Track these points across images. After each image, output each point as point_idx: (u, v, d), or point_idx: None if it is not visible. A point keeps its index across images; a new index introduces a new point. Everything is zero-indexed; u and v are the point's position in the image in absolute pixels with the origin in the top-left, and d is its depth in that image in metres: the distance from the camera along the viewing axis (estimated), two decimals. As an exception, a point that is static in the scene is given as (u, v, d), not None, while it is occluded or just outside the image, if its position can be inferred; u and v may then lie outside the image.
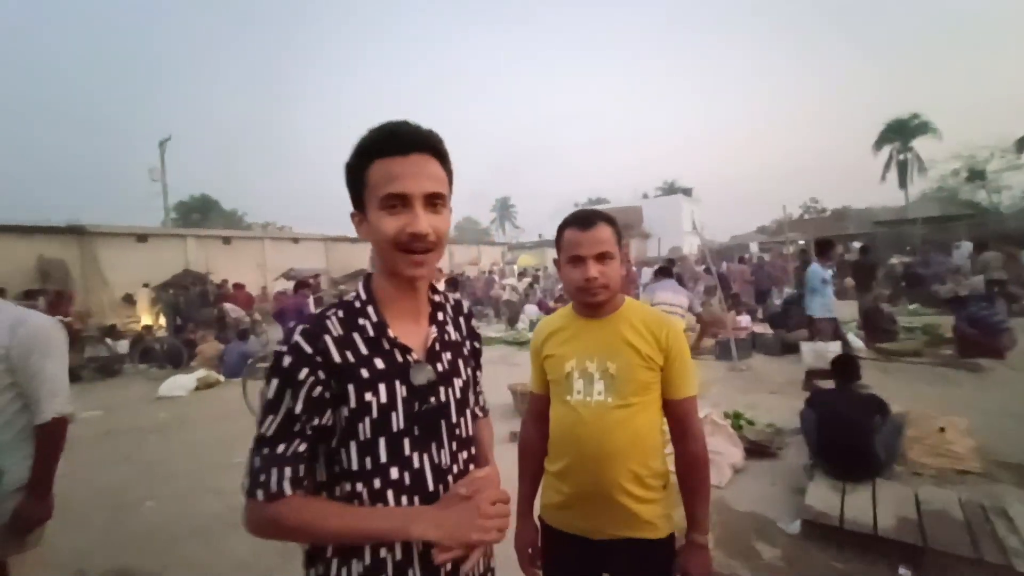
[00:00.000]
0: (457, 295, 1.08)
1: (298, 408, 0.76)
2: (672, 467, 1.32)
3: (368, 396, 0.79)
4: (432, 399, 0.85)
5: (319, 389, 0.77)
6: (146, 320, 13.90)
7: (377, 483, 0.80)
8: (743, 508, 3.00)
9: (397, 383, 0.81)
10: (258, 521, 0.77)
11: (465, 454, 0.91)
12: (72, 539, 3.00)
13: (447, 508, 0.79)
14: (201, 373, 7.30)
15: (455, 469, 0.87)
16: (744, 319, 8.93)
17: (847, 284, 14.49)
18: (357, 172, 0.81)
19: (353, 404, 0.78)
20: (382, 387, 0.80)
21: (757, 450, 3.67)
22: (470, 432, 0.93)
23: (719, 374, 6.31)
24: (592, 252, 1.21)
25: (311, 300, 8.03)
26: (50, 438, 1.52)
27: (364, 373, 0.79)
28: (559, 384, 1.31)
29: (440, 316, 0.94)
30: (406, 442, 0.82)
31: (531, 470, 1.42)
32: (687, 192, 42.72)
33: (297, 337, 0.78)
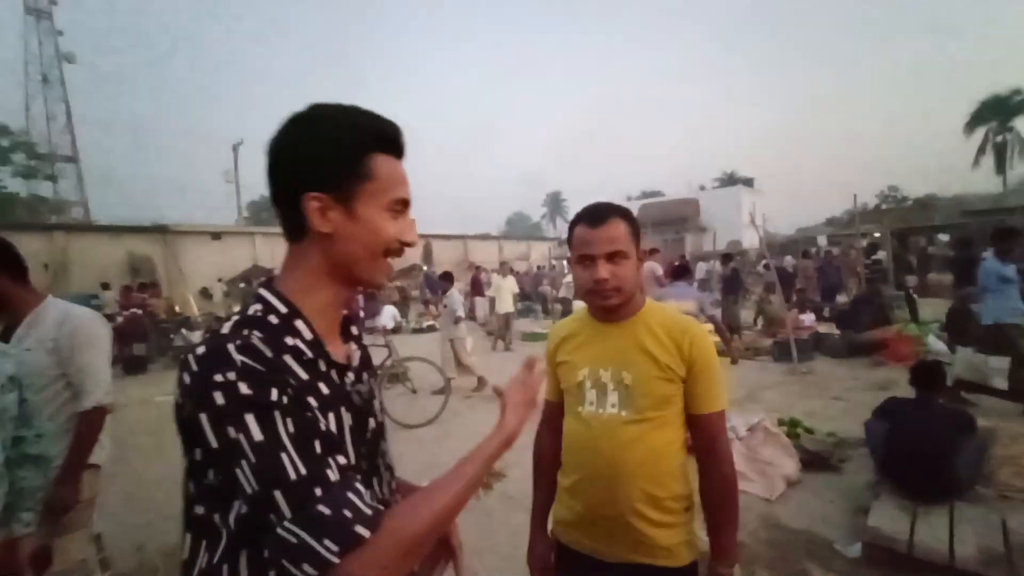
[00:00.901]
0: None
1: (302, 424, 0.59)
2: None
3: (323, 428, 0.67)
4: (371, 422, 0.76)
5: (302, 402, 0.62)
6: (219, 312, 14.95)
7: None
8: (796, 525, 2.77)
9: (343, 410, 0.68)
10: (385, 563, 0.57)
11: (394, 483, 0.82)
12: (138, 515, 3.26)
13: (511, 397, 0.82)
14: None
15: (391, 502, 0.77)
16: (808, 318, 8.34)
17: (930, 281, 13.22)
18: (352, 158, 0.69)
19: None
20: (331, 418, 0.66)
21: (815, 462, 3.39)
22: (391, 458, 0.84)
23: (776, 377, 5.91)
24: (602, 251, 1.11)
25: (359, 299, 8.32)
26: (90, 425, 1.62)
27: (312, 402, 0.63)
28: (571, 394, 1.23)
29: (354, 330, 0.83)
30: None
31: (545, 482, 1.33)
32: (748, 183, 40.54)
33: (239, 356, 0.58)
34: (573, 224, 1.19)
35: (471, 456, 0.72)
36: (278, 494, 0.55)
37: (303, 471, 0.56)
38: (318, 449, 0.58)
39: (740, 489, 1.23)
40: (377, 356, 5.50)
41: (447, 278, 6.54)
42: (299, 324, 0.67)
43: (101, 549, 2.49)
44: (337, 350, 0.73)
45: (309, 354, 0.66)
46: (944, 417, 2.68)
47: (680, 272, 4.80)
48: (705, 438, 1.15)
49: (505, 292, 9.02)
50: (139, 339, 7.82)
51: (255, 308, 0.67)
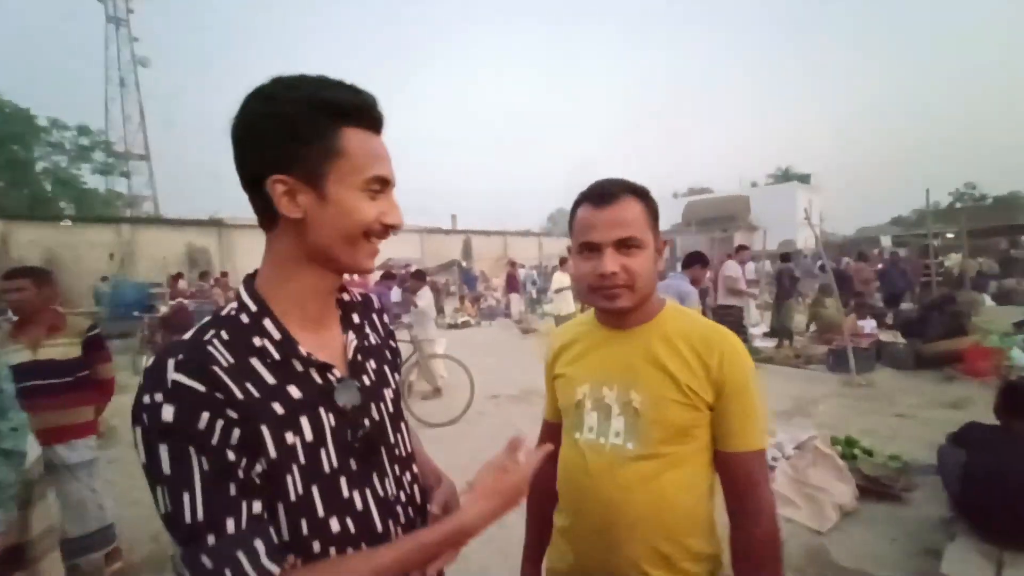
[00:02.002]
0: (361, 290, 0.87)
1: (220, 463, 0.56)
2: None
3: (291, 437, 0.62)
4: (365, 421, 0.70)
5: (236, 432, 0.57)
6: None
7: (316, 546, 0.63)
8: (849, 564, 2.42)
9: (322, 411, 0.65)
10: None
11: (409, 475, 0.77)
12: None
13: (482, 484, 0.69)
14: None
15: (403, 497, 0.74)
16: (868, 324, 7.65)
17: (1012, 287, 11.91)
18: (318, 133, 0.62)
19: (273, 452, 0.60)
20: (305, 422, 0.63)
21: (875, 490, 2.99)
22: (410, 448, 0.79)
23: (830, 388, 5.41)
24: (609, 238, 0.88)
25: (395, 291, 8.32)
26: None
27: (278, 408, 0.61)
28: (568, 415, 1.01)
29: (355, 318, 0.78)
30: (343, 482, 0.66)
31: (538, 519, 1.13)
32: (804, 179, 38.30)
33: (174, 375, 0.56)
34: (575, 205, 0.96)
35: (399, 541, 0.64)
36: (172, 530, 0.56)
37: (199, 516, 0.54)
38: (232, 491, 0.56)
39: (784, 517, 0.98)
40: (403, 352, 5.44)
41: (418, 276, 6.29)
42: (267, 324, 0.64)
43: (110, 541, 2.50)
44: (321, 344, 0.69)
45: (277, 356, 0.63)
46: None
47: (690, 261, 4.28)
48: (739, 485, 0.89)
49: (567, 290, 8.06)
50: (183, 329, 8.11)
51: (231, 306, 0.66)
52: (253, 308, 0.65)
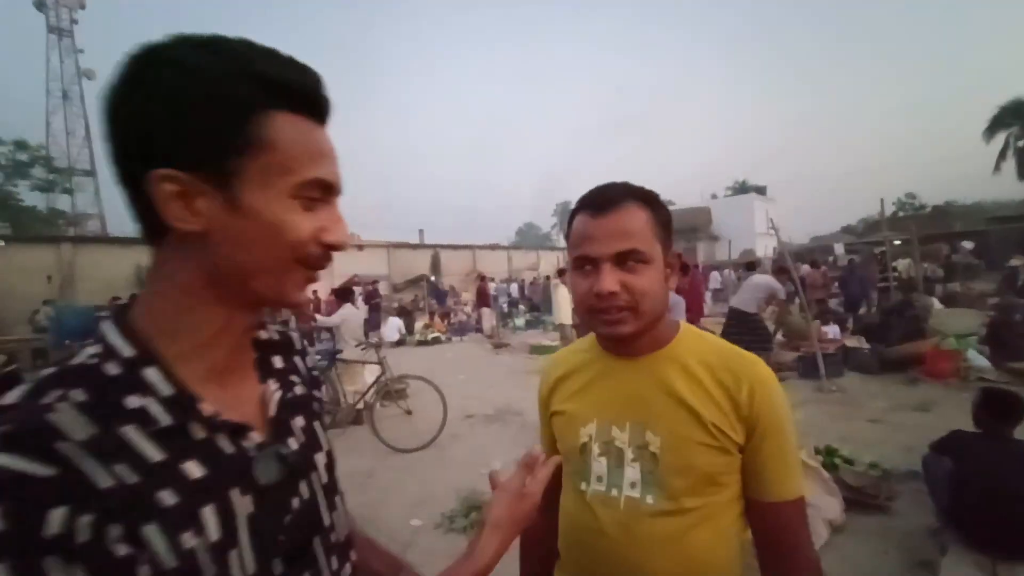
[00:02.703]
0: (278, 326, 0.67)
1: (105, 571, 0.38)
2: None
3: (189, 540, 0.42)
4: (294, 502, 0.51)
5: (117, 531, 0.39)
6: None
7: None
8: (846, 581, 2.34)
9: (234, 495, 0.46)
10: None
11: (348, 568, 0.59)
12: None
13: (498, 514, 0.63)
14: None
15: None
16: (832, 330, 7.85)
17: (953, 289, 12.60)
18: (232, 116, 0.45)
19: (168, 562, 0.41)
20: (209, 514, 0.44)
21: (859, 501, 2.95)
22: (346, 529, 0.61)
23: (803, 395, 5.44)
24: (608, 251, 0.74)
25: (361, 309, 7.97)
26: None
27: (168, 498, 0.42)
28: (570, 460, 0.85)
29: (277, 361, 0.60)
30: None
31: (535, 570, 0.98)
32: (760, 191, 39.95)
33: (4, 459, 0.37)
34: (573, 213, 0.83)
35: None
36: None
37: None
38: None
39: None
40: (371, 373, 5.16)
41: (340, 295, 6.07)
42: (150, 374, 0.45)
43: None
44: (231, 398, 0.50)
45: (166, 420, 0.44)
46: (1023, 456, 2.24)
47: None
48: (777, 539, 0.76)
49: (564, 302, 7.58)
50: None
51: (90, 352, 0.45)
52: (126, 354, 0.45)
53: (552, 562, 0.93)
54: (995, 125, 29.08)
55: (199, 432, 0.46)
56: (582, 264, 0.78)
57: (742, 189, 42.86)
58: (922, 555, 2.44)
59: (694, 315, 8.73)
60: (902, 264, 13.79)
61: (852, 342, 7.07)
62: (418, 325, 13.50)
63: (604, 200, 0.77)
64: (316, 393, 0.67)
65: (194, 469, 0.44)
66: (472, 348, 10.82)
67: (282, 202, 0.47)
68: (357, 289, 16.22)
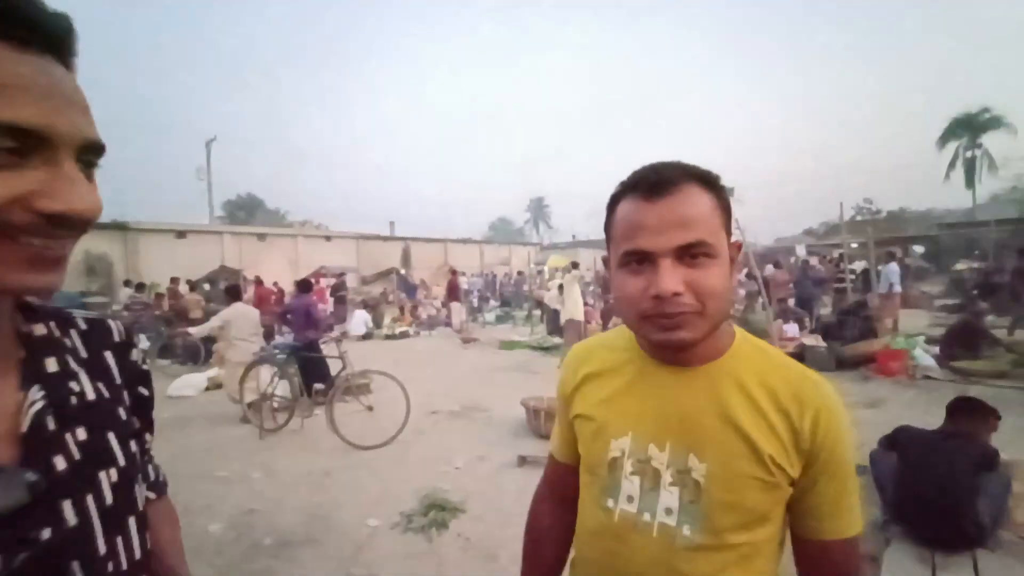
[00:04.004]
0: (94, 314, 0.59)
1: None
2: None
3: None
4: (44, 532, 0.42)
5: None
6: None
7: None
8: (796, 576, 2.38)
9: None
10: None
11: None
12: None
13: None
14: (213, 372, 7.15)
15: None
16: (791, 328, 8.11)
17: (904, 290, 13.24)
18: None
19: None
20: None
21: (812, 495, 3.02)
22: (139, 552, 0.52)
23: (763, 392, 5.59)
24: (669, 244, 0.63)
25: (319, 305, 7.74)
26: None
27: None
28: (595, 472, 0.76)
29: (51, 364, 0.49)
30: None
31: (538, 572, 0.90)
32: (728, 192, 40.97)
33: None
34: (615, 199, 0.70)
35: None
36: None
37: None
38: None
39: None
40: (332, 368, 5.01)
41: (231, 292, 5.82)
42: None
43: None
44: None
45: None
46: (967, 454, 2.32)
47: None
48: None
49: (574, 297, 7.45)
50: None
51: None
52: None
53: (561, 562, 0.87)
54: (946, 136, 30.71)
55: None
56: (634, 259, 0.65)
57: (711, 190, 43.86)
58: (868, 548, 2.50)
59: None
60: (858, 265, 14.40)
61: (810, 340, 7.31)
62: (387, 319, 13.28)
63: (661, 181, 0.64)
64: (141, 390, 0.59)
65: None
66: (440, 343, 10.70)
67: None
68: (324, 281, 15.85)
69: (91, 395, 0.51)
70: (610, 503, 0.73)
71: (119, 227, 16.81)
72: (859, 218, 35.99)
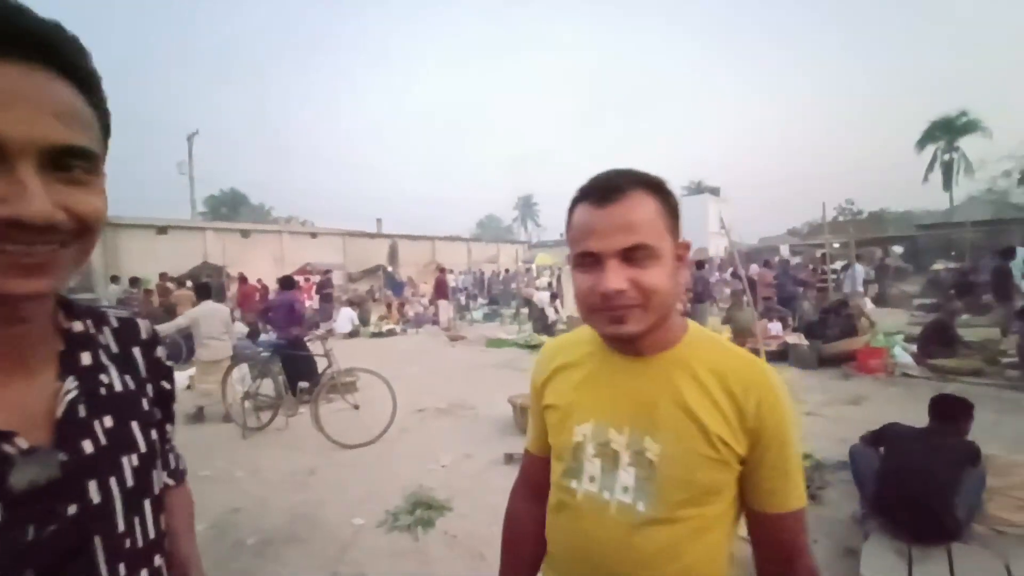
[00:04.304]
0: (125, 313, 0.65)
1: None
2: None
3: None
4: (69, 508, 0.48)
5: None
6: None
7: None
8: (778, 570, 2.42)
9: None
10: None
11: (145, 573, 0.56)
12: None
13: None
14: (194, 370, 7.03)
15: None
16: (775, 327, 8.24)
17: (883, 290, 13.53)
18: None
19: None
20: None
21: (794, 490, 3.07)
22: (153, 532, 0.57)
23: (747, 389, 5.66)
24: (613, 246, 0.69)
25: (303, 301, 7.64)
26: None
27: None
28: (561, 457, 0.82)
29: (86, 358, 0.55)
30: None
31: (516, 566, 0.94)
32: (714, 192, 41.42)
33: None
34: (573, 204, 0.76)
35: None
36: None
37: None
38: None
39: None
40: (318, 365, 4.96)
41: (201, 292, 5.67)
42: None
43: None
44: (13, 398, 0.47)
45: None
46: (954, 451, 2.38)
47: None
48: (777, 551, 0.75)
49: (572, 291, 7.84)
50: None
51: None
52: None
53: (538, 556, 0.90)
54: (925, 139, 31.42)
55: None
56: (585, 260, 0.72)
57: (698, 189, 44.31)
58: (847, 542, 2.56)
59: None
60: (840, 265, 14.67)
61: (793, 339, 7.43)
62: (373, 317, 13.18)
63: (608, 189, 0.71)
64: (164, 385, 0.65)
65: None
66: (427, 341, 10.65)
67: None
68: (310, 278, 15.68)
69: (119, 387, 0.57)
70: (574, 484, 0.79)
71: (98, 222, 16.47)
72: (841, 218, 36.69)
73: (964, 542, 2.37)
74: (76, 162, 0.44)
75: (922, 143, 31.56)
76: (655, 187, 0.73)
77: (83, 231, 0.46)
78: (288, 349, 5.17)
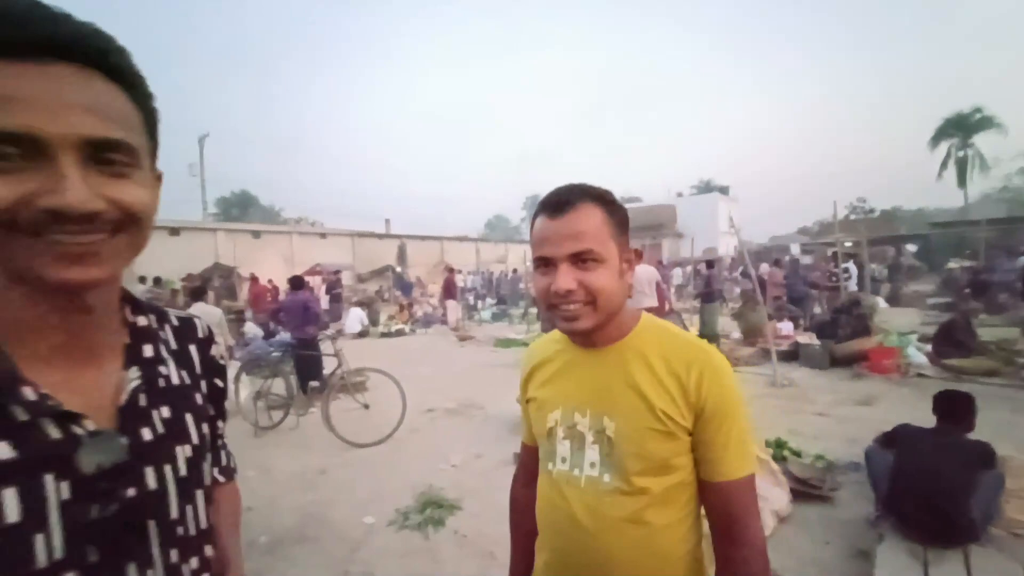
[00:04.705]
0: (189, 313, 0.70)
1: None
2: None
3: None
4: (129, 491, 0.51)
5: None
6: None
7: None
8: (789, 570, 2.39)
9: (48, 479, 0.46)
10: None
11: (195, 562, 0.58)
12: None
13: None
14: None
15: None
16: (786, 326, 8.17)
17: (897, 290, 13.34)
18: None
19: None
20: (10, 495, 0.44)
21: (805, 491, 3.05)
22: (204, 523, 0.60)
23: (756, 390, 5.62)
24: (563, 252, 0.79)
25: (318, 299, 7.69)
26: None
27: None
28: (542, 443, 0.94)
29: (148, 350, 0.58)
30: None
31: (521, 547, 1.06)
32: (724, 191, 41.14)
33: None
34: (535, 215, 0.86)
35: None
36: None
37: None
38: None
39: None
40: (327, 366, 5.00)
41: (195, 294, 5.58)
42: None
43: None
44: (74, 383, 0.50)
45: None
46: (965, 452, 2.34)
47: None
48: (725, 518, 0.81)
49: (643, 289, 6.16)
50: None
51: None
52: None
53: (534, 531, 0.98)
54: (939, 136, 30.93)
55: (21, 415, 0.45)
56: (541, 264, 0.82)
57: (707, 188, 44.03)
58: (861, 544, 2.54)
59: (658, 311, 8.93)
60: (853, 266, 14.49)
61: (804, 338, 7.35)
62: (383, 317, 13.25)
63: (560, 202, 0.80)
64: (217, 382, 0.68)
65: (3, 451, 0.44)
66: (436, 341, 10.69)
67: None
68: (312, 278, 15.78)
69: (176, 380, 0.60)
70: (550, 466, 0.89)
71: (112, 224, 16.71)
72: (852, 217, 36.24)
73: (981, 544, 2.33)
74: (116, 155, 0.46)
75: (935, 140, 31.08)
76: (602, 199, 0.82)
77: (128, 221, 0.48)
78: (299, 348, 5.21)
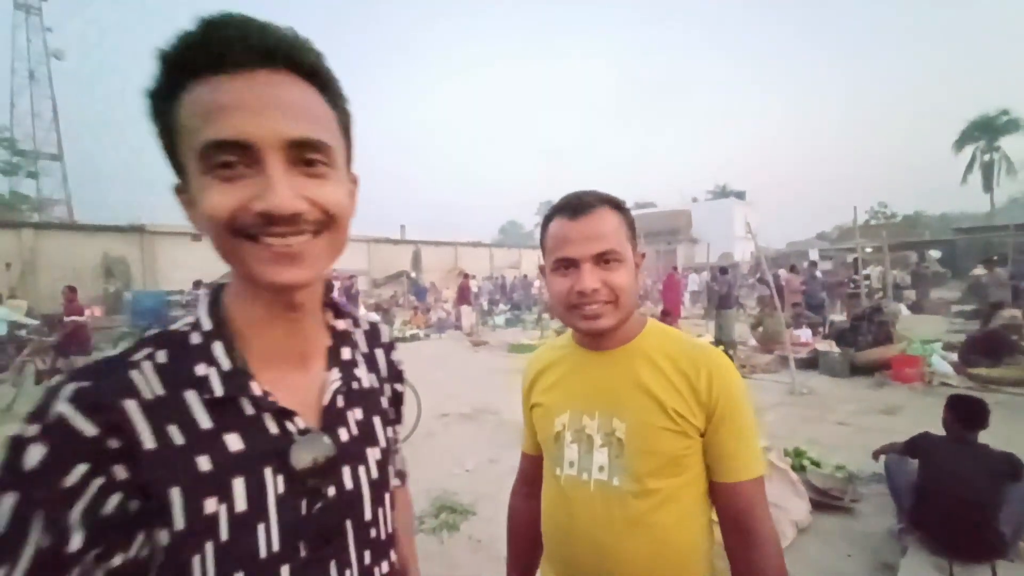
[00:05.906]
0: (373, 316, 0.67)
1: (72, 543, 0.40)
2: None
3: (211, 505, 0.45)
4: (331, 489, 0.53)
5: (115, 500, 0.42)
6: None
7: None
8: (810, 583, 2.36)
9: (268, 472, 0.49)
10: None
11: (385, 566, 0.59)
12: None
13: None
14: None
15: None
16: (804, 333, 8.03)
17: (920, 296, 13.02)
18: (164, 106, 0.46)
19: (182, 524, 0.44)
20: (238, 485, 0.47)
21: (825, 502, 2.99)
22: (391, 527, 0.61)
23: (775, 398, 5.53)
24: (588, 252, 0.80)
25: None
26: None
27: (203, 464, 0.46)
28: (548, 449, 0.92)
29: (346, 353, 0.60)
30: (285, 573, 0.48)
31: (520, 562, 1.04)
32: (740, 196, 40.65)
33: (63, 406, 0.42)
34: (547, 219, 0.88)
35: None
36: None
37: None
38: None
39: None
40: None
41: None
42: (216, 348, 0.50)
43: None
44: (286, 384, 0.53)
45: (220, 392, 0.48)
46: (989, 462, 2.29)
47: None
48: (737, 518, 0.80)
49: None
50: (79, 351, 6.77)
51: (185, 320, 0.53)
52: (207, 326, 0.51)
53: (537, 554, 0.97)
54: (963, 139, 30.27)
55: (248, 408, 0.49)
56: (562, 265, 0.83)
57: (722, 193, 43.57)
58: (884, 557, 2.48)
59: (672, 317, 8.83)
60: (874, 271, 14.20)
61: (823, 346, 7.21)
62: (397, 322, 13.35)
63: (581, 205, 0.82)
64: (397, 387, 0.69)
65: (234, 442, 0.47)
66: (450, 346, 10.73)
67: (199, 180, 0.45)
68: (336, 284, 15.97)
69: (367, 383, 0.62)
70: (557, 471, 0.88)
71: (136, 229, 17.12)
72: (873, 222, 35.50)
73: (1010, 560, 2.26)
74: (316, 156, 0.47)
75: (960, 143, 30.41)
76: (617, 204, 0.85)
77: (329, 222, 0.49)
78: None
